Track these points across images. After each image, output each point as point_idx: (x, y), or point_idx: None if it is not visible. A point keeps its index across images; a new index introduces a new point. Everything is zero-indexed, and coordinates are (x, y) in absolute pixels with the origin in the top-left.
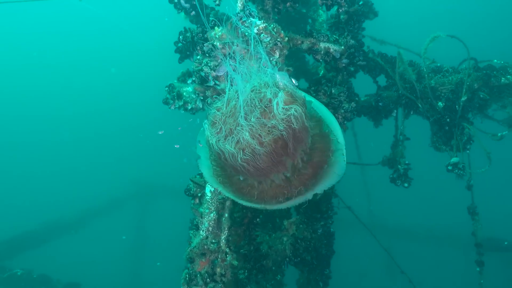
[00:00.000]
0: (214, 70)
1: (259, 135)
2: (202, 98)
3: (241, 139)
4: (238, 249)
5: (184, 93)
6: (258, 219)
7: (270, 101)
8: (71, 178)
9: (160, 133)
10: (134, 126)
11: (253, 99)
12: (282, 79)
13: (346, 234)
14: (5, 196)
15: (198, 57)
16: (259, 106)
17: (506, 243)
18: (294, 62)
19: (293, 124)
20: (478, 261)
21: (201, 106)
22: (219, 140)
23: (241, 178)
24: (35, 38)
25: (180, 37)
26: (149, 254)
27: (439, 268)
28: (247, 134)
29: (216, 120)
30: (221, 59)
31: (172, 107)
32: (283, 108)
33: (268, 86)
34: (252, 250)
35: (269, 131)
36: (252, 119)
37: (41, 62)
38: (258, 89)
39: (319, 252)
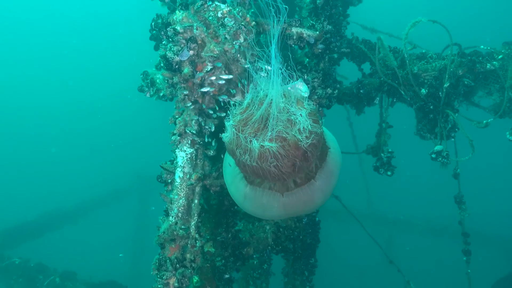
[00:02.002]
0: (178, 55)
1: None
2: (170, 84)
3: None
4: (215, 236)
5: (157, 80)
6: (236, 207)
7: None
8: (72, 168)
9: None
10: (137, 116)
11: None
12: (299, 87)
13: (346, 225)
14: (7, 187)
15: (163, 42)
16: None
17: None
18: (281, 51)
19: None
20: (464, 250)
21: (169, 93)
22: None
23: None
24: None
25: (152, 24)
26: (148, 245)
27: (436, 258)
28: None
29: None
30: (184, 44)
31: (148, 95)
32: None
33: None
34: (230, 237)
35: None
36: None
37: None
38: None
39: (304, 241)
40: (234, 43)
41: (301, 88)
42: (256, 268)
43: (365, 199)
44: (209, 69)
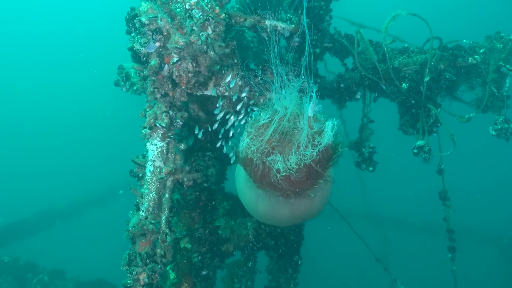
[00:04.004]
0: (145, 47)
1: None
2: (142, 77)
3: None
4: (192, 232)
5: (132, 74)
6: (213, 202)
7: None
8: (67, 167)
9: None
10: (131, 117)
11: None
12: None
13: (340, 224)
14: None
15: (132, 34)
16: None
17: None
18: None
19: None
20: (450, 247)
21: (141, 86)
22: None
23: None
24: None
25: (127, 17)
26: None
27: (431, 256)
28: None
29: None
30: (150, 36)
31: (124, 89)
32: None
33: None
34: (207, 233)
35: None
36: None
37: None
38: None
39: (288, 238)
40: (201, 34)
41: (313, 108)
42: (241, 265)
43: (360, 198)
44: (175, 61)
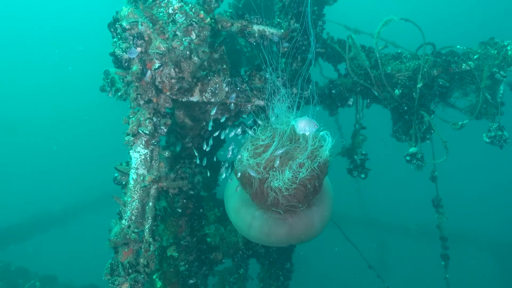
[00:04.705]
0: (126, 52)
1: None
2: (126, 83)
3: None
4: (179, 240)
5: (117, 79)
6: (201, 210)
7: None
8: (62, 172)
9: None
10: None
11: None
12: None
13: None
14: None
15: (114, 39)
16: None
17: None
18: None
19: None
20: (443, 255)
21: (125, 92)
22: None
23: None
24: None
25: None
26: None
27: (428, 262)
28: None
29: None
30: (131, 41)
31: (110, 94)
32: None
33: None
34: (195, 241)
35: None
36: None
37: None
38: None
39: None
40: (183, 39)
41: (307, 128)
42: (232, 272)
43: (357, 204)
44: (157, 67)
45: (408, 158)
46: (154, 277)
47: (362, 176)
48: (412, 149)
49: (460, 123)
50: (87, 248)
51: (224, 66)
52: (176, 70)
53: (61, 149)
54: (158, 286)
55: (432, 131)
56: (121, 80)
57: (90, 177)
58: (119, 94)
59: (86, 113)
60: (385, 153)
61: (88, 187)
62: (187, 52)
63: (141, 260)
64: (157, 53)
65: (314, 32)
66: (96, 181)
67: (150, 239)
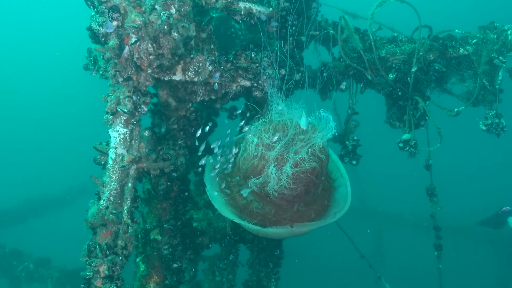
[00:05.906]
0: (102, 27)
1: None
2: (106, 60)
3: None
4: (162, 224)
5: (99, 57)
6: (186, 193)
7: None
8: (60, 155)
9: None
10: None
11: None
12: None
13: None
14: None
15: (92, 13)
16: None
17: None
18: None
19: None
20: (436, 245)
21: (105, 69)
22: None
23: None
24: None
25: None
26: None
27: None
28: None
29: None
30: (107, 14)
31: (94, 73)
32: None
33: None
34: (179, 225)
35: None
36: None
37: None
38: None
39: None
40: (162, 13)
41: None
42: (222, 258)
43: (356, 193)
44: (133, 42)
45: (401, 145)
46: (137, 260)
47: (354, 162)
48: (406, 136)
49: (456, 109)
50: (81, 232)
51: (212, 46)
52: (155, 45)
53: (56, 135)
54: (142, 269)
55: (426, 117)
56: (102, 57)
57: (88, 161)
58: (101, 72)
59: (89, 94)
60: (387, 141)
61: (86, 171)
62: (165, 27)
63: (119, 242)
64: (132, 26)
65: (306, 13)
66: (94, 165)
67: (129, 221)
